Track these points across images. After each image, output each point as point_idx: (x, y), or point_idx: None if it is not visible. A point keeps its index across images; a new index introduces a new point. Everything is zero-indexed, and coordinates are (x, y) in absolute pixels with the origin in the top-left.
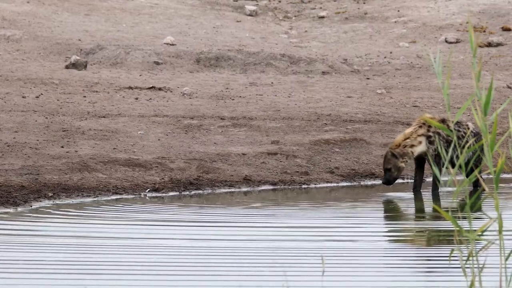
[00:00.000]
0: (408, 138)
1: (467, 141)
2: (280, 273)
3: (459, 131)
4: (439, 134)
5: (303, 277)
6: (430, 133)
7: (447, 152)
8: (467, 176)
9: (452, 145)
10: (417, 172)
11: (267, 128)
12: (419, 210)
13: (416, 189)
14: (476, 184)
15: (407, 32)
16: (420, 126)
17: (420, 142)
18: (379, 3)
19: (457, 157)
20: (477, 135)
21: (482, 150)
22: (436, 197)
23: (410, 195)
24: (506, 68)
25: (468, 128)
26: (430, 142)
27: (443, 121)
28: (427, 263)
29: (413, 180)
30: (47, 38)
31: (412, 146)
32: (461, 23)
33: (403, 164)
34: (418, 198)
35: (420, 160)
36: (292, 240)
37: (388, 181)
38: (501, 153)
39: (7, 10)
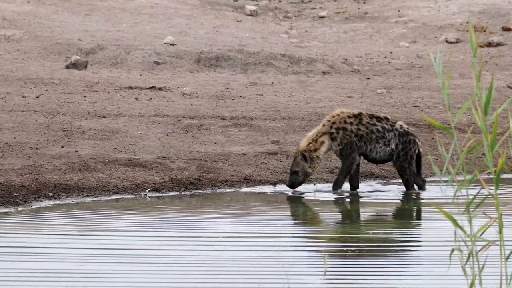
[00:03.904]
0: (310, 142)
1: (382, 136)
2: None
3: (375, 124)
4: (345, 129)
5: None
6: (332, 130)
7: (357, 145)
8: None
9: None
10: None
11: (267, 128)
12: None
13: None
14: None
15: (407, 32)
16: (324, 125)
17: (322, 143)
18: (379, 3)
19: (370, 151)
20: (404, 135)
21: (410, 150)
22: (337, 195)
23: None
24: (506, 68)
25: (393, 125)
26: (332, 138)
27: (359, 114)
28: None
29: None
30: (47, 38)
31: (315, 150)
32: (461, 23)
33: (310, 170)
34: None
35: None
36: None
37: (293, 185)
38: (501, 153)
39: (7, 10)
